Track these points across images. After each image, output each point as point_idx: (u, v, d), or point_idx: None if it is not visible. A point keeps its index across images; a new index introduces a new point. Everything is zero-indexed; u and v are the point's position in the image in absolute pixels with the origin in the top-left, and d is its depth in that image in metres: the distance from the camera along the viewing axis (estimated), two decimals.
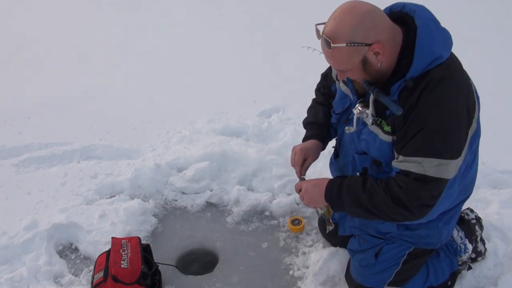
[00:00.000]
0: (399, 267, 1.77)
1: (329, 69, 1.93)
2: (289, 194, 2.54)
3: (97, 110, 3.64)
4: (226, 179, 2.67)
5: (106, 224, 2.32)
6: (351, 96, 1.70)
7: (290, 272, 2.09)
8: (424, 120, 1.39)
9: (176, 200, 2.59)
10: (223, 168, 2.73)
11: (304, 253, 2.19)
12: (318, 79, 2.04)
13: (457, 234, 1.91)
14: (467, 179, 1.62)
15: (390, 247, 1.76)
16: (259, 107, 3.49)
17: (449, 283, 1.88)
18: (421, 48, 1.38)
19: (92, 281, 1.93)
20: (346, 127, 1.68)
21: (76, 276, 2.10)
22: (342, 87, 1.76)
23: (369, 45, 1.37)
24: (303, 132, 2.04)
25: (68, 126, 3.36)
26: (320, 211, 1.84)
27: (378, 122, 1.54)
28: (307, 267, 2.09)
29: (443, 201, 1.48)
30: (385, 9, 1.51)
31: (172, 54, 4.76)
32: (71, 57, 4.81)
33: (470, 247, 1.91)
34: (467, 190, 1.69)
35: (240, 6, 6.17)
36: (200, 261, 2.26)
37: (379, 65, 1.42)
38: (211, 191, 2.60)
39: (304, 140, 1.97)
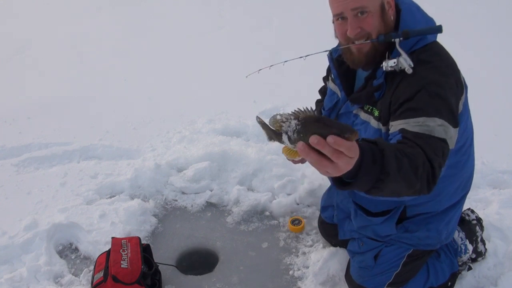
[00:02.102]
0: (399, 269, 1.77)
1: (327, 71, 1.94)
2: (289, 194, 2.54)
3: (97, 110, 3.64)
4: (226, 179, 2.67)
5: (106, 224, 2.32)
6: (339, 93, 1.72)
7: (290, 272, 2.09)
8: (421, 83, 1.35)
9: (176, 200, 2.59)
10: (223, 168, 2.73)
11: (304, 253, 2.19)
12: (318, 79, 2.06)
13: (458, 235, 1.91)
14: (464, 173, 1.62)
15: (389, 249, 1.76)
16: (259, 107, 3.49)
17: (449, 283, 1.88)
18: (404, 29, 1.41)
19: (92, 281, 1.93)
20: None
21: (76, 276, 2.10)
22: (330, 85, 1.79)
23: None
24: None
25: (68, 126, 3.36)
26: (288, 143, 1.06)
27: (369, 110, 1.54)
28: (307, 267, 2.09)
29: (448, 179, 1.46)
30: None
31: (172, 54, 4.76)
32: (71, 57, 4.81)
33: (470, 247, 1.91)
34: (465, 186, 1.69)
35: (240, 6, 6.17)
36: (200, 261, 2.26)
37: (391, 18, 1.45)
38: (211, 191, 2.60)
39: None
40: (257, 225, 2.40)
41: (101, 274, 1.87)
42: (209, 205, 2.56)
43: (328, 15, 1.51)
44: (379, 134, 1.49)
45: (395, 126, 1.33)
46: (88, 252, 2.20)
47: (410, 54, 1.40)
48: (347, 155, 0.87)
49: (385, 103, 1.45)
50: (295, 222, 2.34)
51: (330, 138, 0.85)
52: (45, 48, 5.10)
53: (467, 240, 1.91)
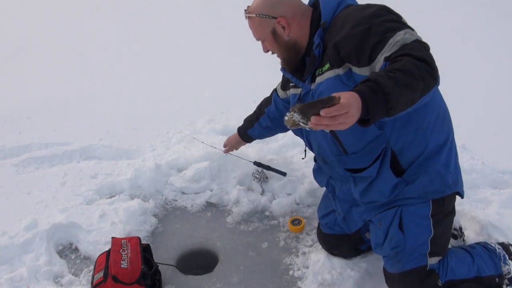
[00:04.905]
0: (432, 233, 1.67)
1: (283, 84, 2.23)
2: (289, 194, 2.54)
3: (97, 110, 3.64)
4: (226, 179, 2.67)
5: (106, 224, 2.32)
6: (298, 89, 1.82)
7: (290, 272, 2.09)
8: (364, 22, 1.47)
9: (176, 200, 2.59)
10: (223, 168, 2.73)
11: (304, 253, 2.19)
12: None
13: (497, 248, 1.86)
14: (436, 100, 1.64)
15: (408, 211, 1.68)
16: None
17: (497, 280, 1.79)
18: None
19: (92, 281, 1.93)
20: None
21: (76, 276, 2.10)
22: (292, 91, 1.94)
23: (275, 18, 1.68)
24: None
25: (68, 126, 3.36)
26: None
27: (320, 72, 1.63)
28: (307, 267, 2.09)
29: (422, 109, 1.49)
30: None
31: (172, 54, 4.76)
32: (71, 57, 4.81)
33: (510, 263, 1.83)
34: (445, 117, 1.67)
35: (240, 6, 6.17)
36: (200, 261, 2.26)
37: (286, 37, 1.70)
38: (211, 191, 2.61)
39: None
40: (257, 225, 2.40)
41: (101, 274, 1.87)
42: (209, 205, 2.57)
43: None
44: (338, 79, 1.56)
45: (379, 61, 1.41)
46: (88, 252, 2.20)
47: (338, 15, 1.59)
48: (341, 113, 1.11)
49: (329, 51, 1.56)
50: (295, 222, 2.34)
51: (322, 113, 1.11)
52: (45, 48, 5.11)
53: (508, 256, 1.85)
